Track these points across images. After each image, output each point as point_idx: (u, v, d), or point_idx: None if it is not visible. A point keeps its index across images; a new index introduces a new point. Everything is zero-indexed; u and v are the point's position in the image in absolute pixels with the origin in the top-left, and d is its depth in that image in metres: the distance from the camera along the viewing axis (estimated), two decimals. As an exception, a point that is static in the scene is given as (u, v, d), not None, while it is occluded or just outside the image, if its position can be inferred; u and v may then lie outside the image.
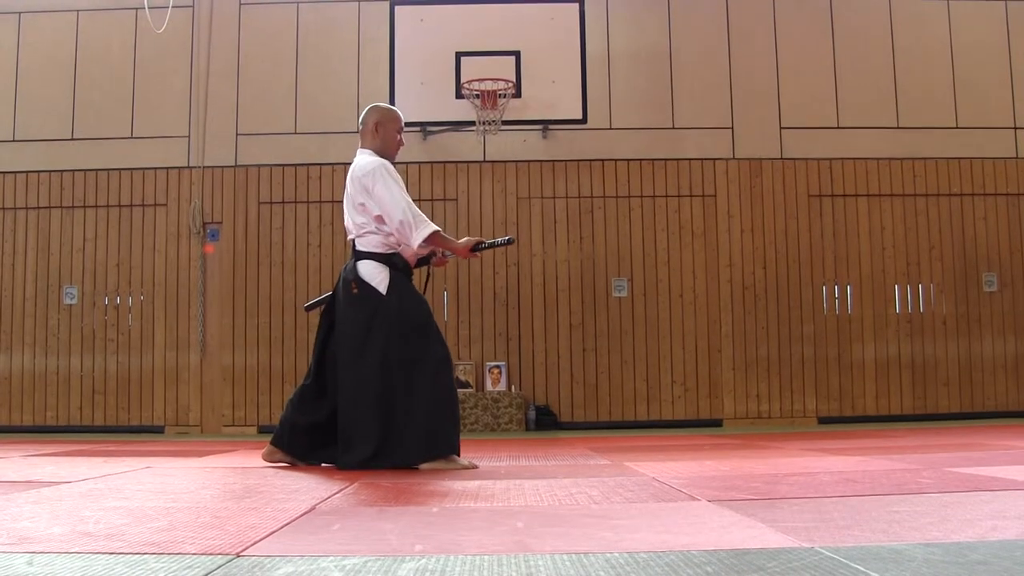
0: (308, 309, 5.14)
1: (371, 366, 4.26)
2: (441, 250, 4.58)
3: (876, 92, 9.82)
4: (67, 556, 1.98)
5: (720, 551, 1.96)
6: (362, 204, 4.37)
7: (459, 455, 4.34)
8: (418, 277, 4.63)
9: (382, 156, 4.51)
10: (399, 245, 4.40)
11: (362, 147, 4.57)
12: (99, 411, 9.43)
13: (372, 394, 4.24)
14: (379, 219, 4.34)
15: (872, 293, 9.63)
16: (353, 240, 4.47)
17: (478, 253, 4.56)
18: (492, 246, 4.68)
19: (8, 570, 1.82)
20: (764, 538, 2.12)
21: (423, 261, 4.61)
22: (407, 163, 9.46)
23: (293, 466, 4.46)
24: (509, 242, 4.79)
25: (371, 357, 4.27)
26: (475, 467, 4.32)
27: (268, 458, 4.57)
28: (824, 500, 2.82)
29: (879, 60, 9.87)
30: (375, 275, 4.36)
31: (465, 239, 4.53)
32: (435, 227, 4.34)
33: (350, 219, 4.47)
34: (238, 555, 1.99)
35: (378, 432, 4.20)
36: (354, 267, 4.41)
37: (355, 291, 4.36)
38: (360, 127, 4.62)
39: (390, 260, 4.38)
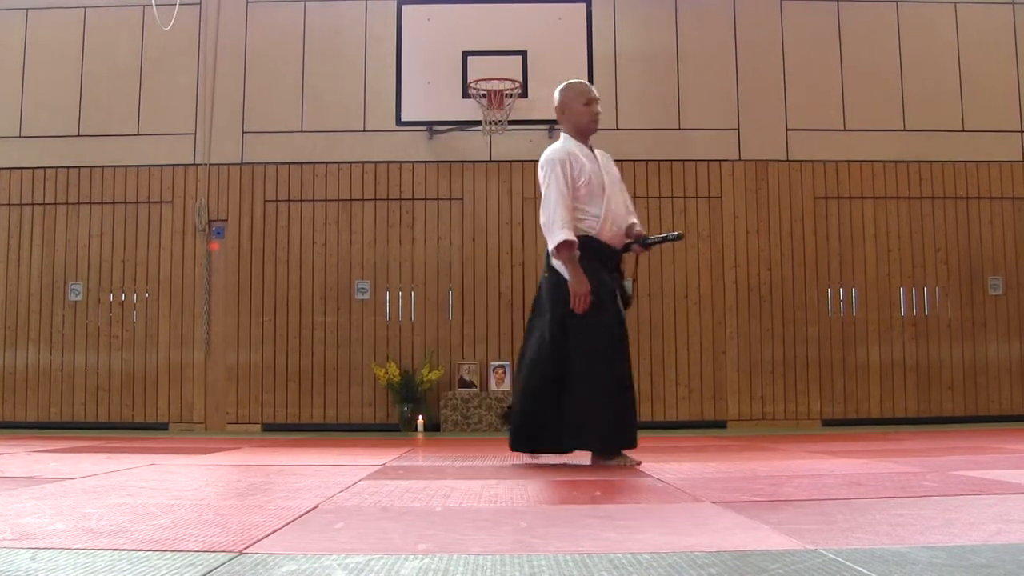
0: (648, 245, 4.61)
1: (547, 349, 4.29)
2: (636, 238, 4.49)
3: (882, 94, 9.80)
4: (70, 552, 1.99)
5: (723, 553, 1.96)
6: None
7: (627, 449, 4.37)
8: (630, 261, 4.56)
9: (577, 135, 4.49)
10: (593, 229, 4.36)
11: (563, 130, 4.56)
12: (103, 408, 9.44)
13: (549, 378, 4.26)
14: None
15: (877, 296, 9.61)
16: None
17: (647, 248, 4.50)
18: (662, 241, 4.49)
19: (11, 566, 1.82)
20: (768, 540, 2.12)
21: (628, 247, 4.51)
22: (413, 163, 9.49)
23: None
24: (679, 237, 4.57)
25: (549, 341, 4.29)
26: (639, 463, 4.31)
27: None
28: (828, 502, 2.82)
29: (886, 62, 9.84)
30: None
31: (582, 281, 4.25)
32: (563, 238, 4.23)
33: None
34: (241, 552, 1.99)
35: (547, 418, 4.25)
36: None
37: (546, 274, 4.43)
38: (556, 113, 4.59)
39: (582, 244, 4.32)
